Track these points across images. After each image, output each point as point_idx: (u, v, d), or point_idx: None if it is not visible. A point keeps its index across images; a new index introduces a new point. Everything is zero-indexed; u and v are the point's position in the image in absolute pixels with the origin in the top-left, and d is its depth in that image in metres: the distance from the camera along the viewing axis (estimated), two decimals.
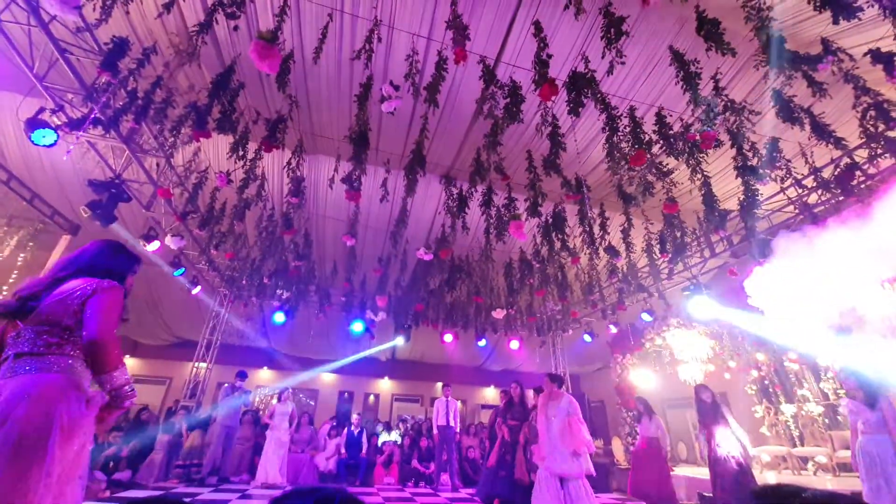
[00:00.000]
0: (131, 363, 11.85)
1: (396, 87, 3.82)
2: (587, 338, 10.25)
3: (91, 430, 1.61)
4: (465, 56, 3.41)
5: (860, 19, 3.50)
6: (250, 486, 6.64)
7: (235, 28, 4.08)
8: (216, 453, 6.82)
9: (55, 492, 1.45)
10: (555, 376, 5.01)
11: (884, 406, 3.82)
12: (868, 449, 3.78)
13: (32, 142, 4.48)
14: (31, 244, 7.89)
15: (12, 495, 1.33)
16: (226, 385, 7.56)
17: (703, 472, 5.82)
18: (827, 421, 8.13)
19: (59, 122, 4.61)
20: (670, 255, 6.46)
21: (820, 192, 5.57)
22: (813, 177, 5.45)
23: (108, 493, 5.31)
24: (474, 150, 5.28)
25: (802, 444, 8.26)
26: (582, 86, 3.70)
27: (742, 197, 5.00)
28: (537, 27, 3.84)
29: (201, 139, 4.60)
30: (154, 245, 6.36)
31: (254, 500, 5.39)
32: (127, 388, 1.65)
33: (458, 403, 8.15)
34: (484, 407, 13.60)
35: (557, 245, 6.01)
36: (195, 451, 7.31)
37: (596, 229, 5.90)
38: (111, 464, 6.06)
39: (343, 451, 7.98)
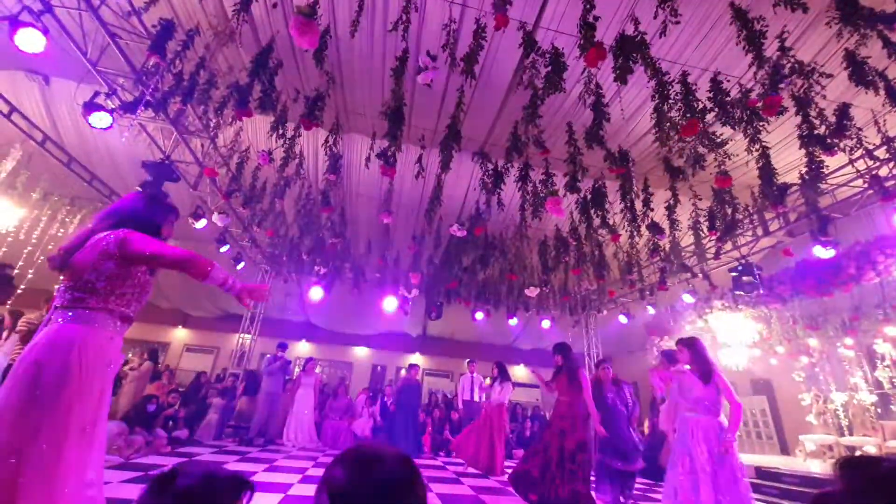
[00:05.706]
0: (183, 333, 12.75)
1: (434, 58, 3.72)
2: (623, 318, 10.00)
3: (109, 382, 1.65)
4: (507, 21, 3.25)
5: None
6: (281, 445, 7.18)
7: (274, 5, 4.10)
8: (262, 417, 7.32)
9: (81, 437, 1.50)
10: (667, 353, 4.70)
11: (718, 382, 3.23)
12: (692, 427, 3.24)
13: (90, 125, 4.75)
14: None
15: (31, 440, 1.39)
16: (268, 355, 8.03)
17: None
18: (879, 410, 7.71)
19: (112, 106, 4.85)
20: (719, 234, 6.09)
21: (892, 164, 5.04)
22: (885, 147, 4.93)
23: (168, 449, 5.83)
24: (510, 124, 5.11)
25: (851, 434, 7.86)
26: (631, 50, 3.45)
27: (804, 169, 4.60)
28: None
29: (243, 119, 4.71)
30: (202, 223, 6.69)
31: (299, 461, 5.80)
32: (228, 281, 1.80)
33: (487, 380, 8.25)
34: (514, 385, 13.68)
35: (597, 222, 5.80)
36: (244, 414, 7.90)
37: (638, 205, 5.64)
38: (170, 423, 6.63)
39: (378, 418, 8.35)
